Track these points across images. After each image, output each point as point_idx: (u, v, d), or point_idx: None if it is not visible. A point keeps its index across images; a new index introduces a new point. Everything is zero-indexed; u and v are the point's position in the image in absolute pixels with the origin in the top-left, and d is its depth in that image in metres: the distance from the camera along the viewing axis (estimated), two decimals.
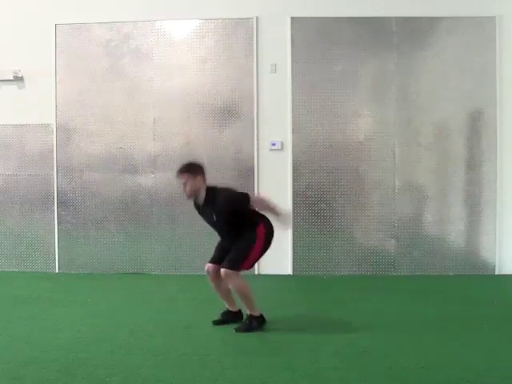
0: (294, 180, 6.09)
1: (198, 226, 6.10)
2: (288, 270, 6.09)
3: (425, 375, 3.19)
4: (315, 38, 6.07)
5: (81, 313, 4.59)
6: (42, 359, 3.45)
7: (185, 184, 4.01)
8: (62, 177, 6.28)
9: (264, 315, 4.09)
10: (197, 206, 4.16)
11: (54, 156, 6.26)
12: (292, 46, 6.04)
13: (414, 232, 6.08)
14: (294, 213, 6.05)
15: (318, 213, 6.09)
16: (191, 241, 6.14)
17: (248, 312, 4.08)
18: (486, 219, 6.03)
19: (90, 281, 5.90)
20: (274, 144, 6.08)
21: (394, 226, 6.07)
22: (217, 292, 4.24)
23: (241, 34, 6.09)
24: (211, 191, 4.03)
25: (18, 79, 6.28)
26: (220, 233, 4.21)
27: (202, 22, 6.14)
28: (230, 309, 4.27)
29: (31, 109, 6.24)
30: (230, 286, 4.03)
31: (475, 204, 6.04)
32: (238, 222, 4.02)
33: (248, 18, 6.08)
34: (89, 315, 4.51)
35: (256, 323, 4.03)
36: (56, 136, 6.26)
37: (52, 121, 6.25)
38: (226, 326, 4.13)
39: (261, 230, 4.04)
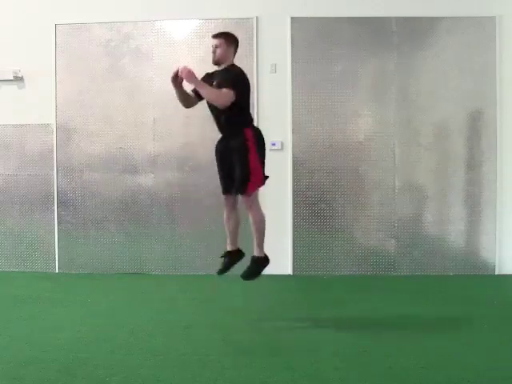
0: (294, 180, 6.09)
1: (197, 226, 6.13)
2: (288, 270, 6.09)
3: (425, 375, 3.19)
4: (315, 38, 6.07)
5: (81, 313, 4.59)
6: (42, 359, 3.45)
7: (217, 47, 4.12)
8: (62, 177, 6.28)
9: (267, 255, 4.18)
10: (208, 77, 4.23)
11: (54, 156, 6.26)
12: (292, 46, 6.05)
13: (414, 232, 6.08)
14: (293, 213, 6.06)
15: (317, 213, 6.09)
16: (191, 241, 6.14)
17: (254, 252, 4.12)
18: (486, 219, 6.03)
19: (90, 281, 5.90)
20: (273, 144, 6.08)
21: (394, 226, 6.07)
22: (228, 223, 4.31)
23: (241, 34, 6.03)
24: (231, 67, 4.15)
25: (18, 79, 6.28)
26: (218, 123, 4.28)
27: (201, 21, 6.14)
28: (230, 248, 4.32)
29: (31, 109, 6.24)
30: (251, 215, 4.12)
31: (475, 204, 6.04)
32: (233, 113, 4.08)
33: (248, 18, 6.08)
34: (89, 315, 4.51)
35: (261, 265, 4.12)
36: (56, 136, 6.26)
37: (52, 121, 6.25)
38: (223, 328, 4.11)
39: (249, 132, 4.12)
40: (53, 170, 6.28)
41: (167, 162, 6.19)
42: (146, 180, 6.25)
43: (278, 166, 6.06)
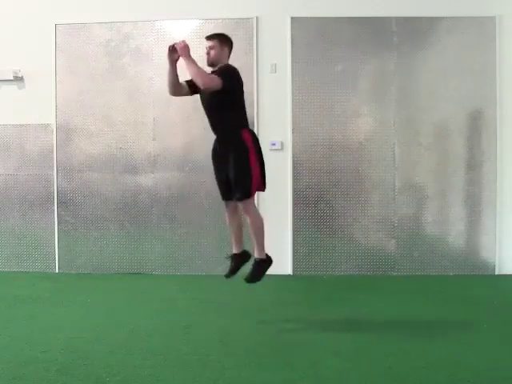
0: (294, 180, 6.09)
1: (197, 226, 6.13)
2: (288, 270, 6.09)
3: (425, 375, 3.19)
4: (315, 38, 6.07)
5: (81, 313, 4.59)
6: (42, 359, 3.45)
7: (211, 49, 4.11)
8: (61, 177, 6.28)
9: (269, 255, 4.17)
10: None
11: (54, 156, 6.26)
12: (292, 46, 6.05)
13: (414, 232, 6.08)
14: (293, 213, 6.06)
15: (317, 213, 6.09)
16: (191, 241, 6.14)
17: (255, 255, 4.12)
18: (486, 219, 6.03)
19: (90, 281, 5.91)
20: (273, 144, 6.08)
21: (394, 226, 6.07)
22: (230, 226, 4.30)
23: (241, 33, 6.09)
24: (225, 65, 4.13)
25: (18, 79, 6.28)
26: (211, 122, 4.23)
27: (201, 21, 6.14)
28: (235, 250, 4.30)
29: (31, 109, 6.24)
30: (248, 221, 4.08)
31: (475, 204, 6.04)
32: (227, 112, 4.06)
33: (248, 18, 6.08)
34: (89, 315, 4.51)
35: (264, 266, 4.10)
36: (56, 136, 6.26)
37: (52, 121, 6.25)
38: (223, 328, 4.11)
39: (246, 136, 4.09)
40: (53, 170, 6.28)
41: (167, 162, 6.19)
42: (146, 180, 6.25)
43: (278, 166, 6.06)
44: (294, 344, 3.75)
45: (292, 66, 6.05)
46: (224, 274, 4.34)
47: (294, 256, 6.08)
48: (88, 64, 6.24)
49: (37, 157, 6.30)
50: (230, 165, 4.09)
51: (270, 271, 5.88)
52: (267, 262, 4.16)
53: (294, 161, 6.08)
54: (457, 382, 3.10)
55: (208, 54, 4.15)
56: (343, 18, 6.05)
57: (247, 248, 4.42)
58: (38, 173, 6.31)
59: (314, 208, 6.09)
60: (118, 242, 6.25)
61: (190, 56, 4.03)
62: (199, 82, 3.97)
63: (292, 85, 6.05)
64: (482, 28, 5.98)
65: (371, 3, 6.02)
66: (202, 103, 4.28)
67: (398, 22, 6.03)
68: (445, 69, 6.01)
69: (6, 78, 6.25)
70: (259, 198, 6.04)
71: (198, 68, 4.00)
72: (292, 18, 6.03)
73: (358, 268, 6.07)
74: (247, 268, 4.26)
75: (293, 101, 6.05)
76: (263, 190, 4.29)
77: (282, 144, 6.09)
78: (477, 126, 6.08)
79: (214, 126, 4.22)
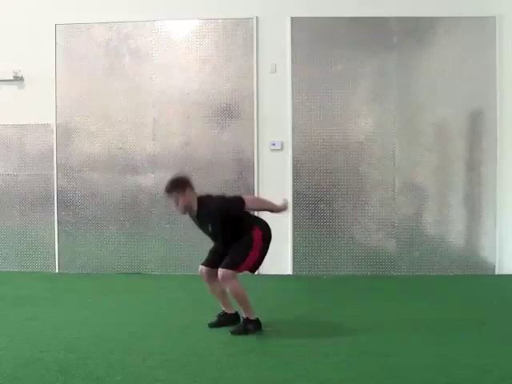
0: (294, 180, 6.09)
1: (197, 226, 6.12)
2: (288, 270, 6.09)
3: (425, 375, 3.19)
4: (315, 38, 6.06)
5: (81, 313, 4.58)
6: (42, 359, 3.45)
7: (176, 201, 3.95)
8: (62, 177, 6.28)
9: (260, 319, 4.03)
10: (192, 218, 4.09)
11: (54, 156, 6.26)
12: (292, 46, 6.04)
13: (414, 232, 6.08)
14: (293, 213, 6.06)
15: (317, 213, 6.09)
16: (191, 241, 6.13)
17: (244, 315, 4.03)
18: (486, 219, 6.03)
19: (90, 281, 5.90)
20: (273, 144, 6.08)
21: (394, 226, 6.07)
22: (212, 293, 4.21)
23: (241, 34, 6.09)
24: (203, 201, 3.97)
25: (18, 79, 6.28)
26: (214, 239, 4.14)
27: (201, 21, 6.14)
28: (227, 311, 4.23)
29: (31, 109, 6.24)
30: (227, 289, 3.99)
31: (475, 204, 6.04)
32: (233, 229, 3.97)
33: (248, 18, 6.08)
34: (89, 315, 4.51)
35: (252, 326, 3.98)
36: (56, 136, 6.26)
37: (52, 121, 6.26)
38: (222, 328, 4.10)
39: (257, 233, 4.00)
40: (53, 170, 6.28)
41: (167, 162, 6.19)
42: (146, 180, 6.24)
43: (278, 166, 6.06)
44: (294, 344, 3.75)
45: (292, 66, 6.05)
46: (209, 323, 4.18)
47: (294, 256, 6.08)
48: (88, 64, 6.24)
49: (37, 157, 6.30)
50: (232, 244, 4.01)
51: (270, 271, 5.93)
52: (255, 323, 4.01)
53: (293, 161, 6.08)
54: (457, 382, 3.10)
55: (177, 205, 3.97)
56: (343, 18, 6.05)
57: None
58: (38, 173, 6.31)
59: (314, 208, 6.09)
60: (118, 242, 6.25)
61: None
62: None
63: (292, 85, 6.05)
64: (482, 28, 5.98)
65: (371, 3, 6.02)
66: (197, 225, 4.12)
67: (398, 22, 6.03)
68: (445, 69, 6.02)
69: (6, 78, 6.25)
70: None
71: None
72: (292, 18, 6.03)
73: (358, 268, 6.07)
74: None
75: (293, 101, 6.05)
76: (252, 272, 4.11)
77: (281, 144, 6.09)
78: (477, 126, 6.08)
79: (228, 242, 4.05)
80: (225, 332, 4.00)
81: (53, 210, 6.28)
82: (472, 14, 5.98)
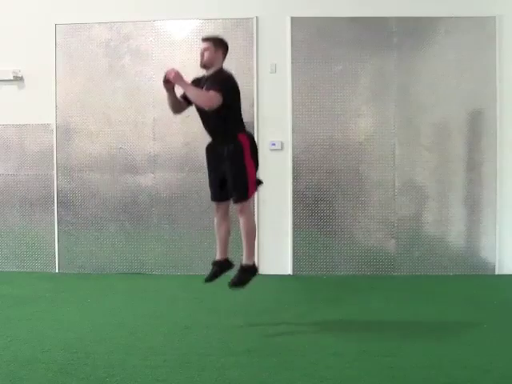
0: (294, 180, 6.09)
1: (197, 226, 6.13)
2: (288, 270, 6.09)
3: (425, 375, 3.19)
4: (315, 38, 6.06)
5: (81, 313, 4.59)
6: (42, 359, 3.45)
7: (205, 50, 4.07)
8: (61, 177, 6.28)
9: (256, 265, 4.11)
10: (196, 83, 4.15)
11: (54, 156, 6.26)
12: (292, 46, 6.04)
13: (414, 232, 6.08)
14: (293, 213, 6.06)
15: (317, 213, 6.09)
16: (191, 241, 6.14)
17: (243, 261, 4.07)
18: (486, 219, 6.03)
19: (90, 281, 5.91)
20: (273, 144, 6.08)
21: (394, 226, 6.07)
22: (219, 230, 4.26)
23: (241, 33, 6.09)
24: (220, 72, 4.08)
25: (18, 79, 6.28)
26: (207, 127, 4.18)
27: (202, 22, 6.14)
28: (220, 257, 4.26)
29: (31, 109, 6.24)
30: (241, 223, 4.04)
31: (475, 204, 6.04)
32: (224, 118, 4.02)
33: (248, 18, 6.08)
34: (89, 315, 4.51)
35: (249, 273, 4.05)
36: (56, 136, 6.26)
37: (52, 121, 6.26)
38: (222, 328, 4.11)
39: (243, 138, 4.05)
40: (53, 170, 6.28)
41: (167, 162, 6.19)
42: (146, 180, 6.25)
43: (278, 166, 6.06)
44: (294, 344, 3.75)
45: (292, 66, 6.05)
46: (205, 277, 4.27)
47: (294, 256, 6.08)
48: (88, 64, 6.24)
49: (37, 157, 6.30)
50: (225, 165, 4.06)
51: (270, 271, 5.93)
52: (252, 269, 4.07)
53: (293, 161, 6.08)
54: (457, 382, 3.10)
55: (202, 55, 4.10)
56: (343, 18, 6.05)
57: (234, 255, 4.35)
58: (38, 173, 6.31)
59: (313, 208, 6.09)
60: (118, 242, 6.25)
61: (184, 81, 4.02)
62: (201, 105, 3.99)
63: (292, 85, 6.05)
64: (482, 28, 5.98)
65: (371, 3, 6.03)
66: (197, 109, 4.20)
67: (398, 22, 6.03)
68: (445, 69, 6.02)
69: (6, 78, 6.25)
70: (259, 198, 6.05)
71: (197, 90, 4.02)
72: (292, 18, 6.03)
73: (358, 268, 6.07)
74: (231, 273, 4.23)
75: (293, 101, 6.05)
76: (256, 188, 4.23)
77: (281, 144, 6.09)
78: (477, 126, 6.08)
79: (211, 129, 4.17)
80: (225, 332, 4.00)
81: (53, 210, 6.28)
82: (472, 13, 5.98)
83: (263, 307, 4.33)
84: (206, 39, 4.16)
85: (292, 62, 6.04)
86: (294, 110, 6.05)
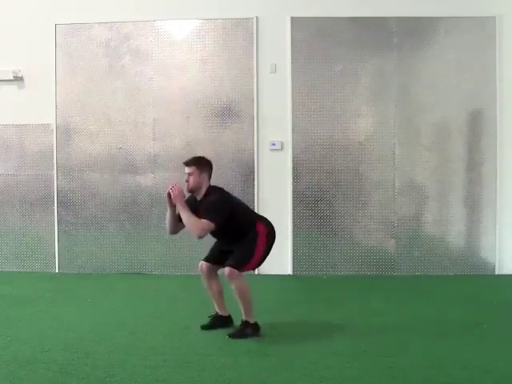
0: (294, 180, 6.09)
1: None
2: (288, 270, 6.09)
3: (425, 375, 3.19)
4: (315, 38, 6.06)
5: (81, 313, 4.59)
6: (42, 359, 3.45)
7: (189, 175, 3.97)
8: (61, 177, 6.28)
9: (258, 323, 3.97)
10: (190, 204, 4.02)
11: (54, 156, 6.26)
12: (292, 46, 6.04)
13: (414, 232, 6.08)
14: (293, 213, 6.06)
15: (318, 213, 6.09)
16: (191, 241, 6.11)
17: (243, 317, 3.96)
18: (486, 219, 6.03)
19: (90, 281, 5.90)
20: (273, 144, 6.08)
21: (394, 226, 6.07)
22: (209, 291, 4.13)
23: (241, 33, 6.09)
24: (209, 194, 3.95)
25: (18, 79, 6.28)
26: (215, 236, 4.09)
27: (201, 21, 6.14)
28: (220, 313, 4.14)
29: (31, 109, 6.24)
30: (233, 286, 3.88)
31: (475, 204, 6.04)
32: (233, 227, 3.90)
33: (248, 18, 6.08)
34: (89, 315, 4.51)
35: (251, 330, 3.92)
36: (56, 136, 6.26)
37: (52, 121, 6.25)
38: (218, 330, 4.07)
39: (261, 229, 3.95)
40: (53, 170, 6.28)
41: (167, 162, 6.19)
42: (146, 180, 6.25)
43: (278, 166, 6.06)
44: (294, 344, 3.75)
45: (292, 66, 6.04)
46: (201, 325, 4.10)
47: (294, 256, 6.08)
48: (88, 64, 6.24)
49: (37, 157, 6.30)
50: (234, 246, 3.94)
51: (270, 271, 5.92)
52: (254, 326, 3.94)
53: (293, 161, 6.08)
54: (457, 382, 3.10)
55: (187, 181, 4.00)
56: (343, 18, 6.05)
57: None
58: (38, 173, 6.31)
59: (313, 208, 6.09)
60: (118, 242, 6.25)
61: (183, 203, 3.94)
62: (191, 232, 3.92)
63: (292, 85, 6.04)
64: (482, 28, 5.98)
65: (371, 3, 6.02)
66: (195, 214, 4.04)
67: (397, 22, 6.03)
68: (445, 69, 6.01)
69: (6, 78, 6.25)
70: (259, 198, 6.05)
71: (190, 217, 3.88)
72: (292, 18, 6.03)
73: (358, 268, 6.07)
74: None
75: (293, 101, 6.05)
76: (254, 269, 4.12)
77: (281, 144, 6.09)
78: (477, 126, 6.08)
79: (228, 243, 4.02)
80: (225, 332, 3.99)
81: (53, 209, 6.28)
82: (472, 13, 5.98)
83: (263, 307, 4.32)
84: (187, 164, 4.01)
85: (292, 62, 6.04)
86: (293, 110, 6.05)
